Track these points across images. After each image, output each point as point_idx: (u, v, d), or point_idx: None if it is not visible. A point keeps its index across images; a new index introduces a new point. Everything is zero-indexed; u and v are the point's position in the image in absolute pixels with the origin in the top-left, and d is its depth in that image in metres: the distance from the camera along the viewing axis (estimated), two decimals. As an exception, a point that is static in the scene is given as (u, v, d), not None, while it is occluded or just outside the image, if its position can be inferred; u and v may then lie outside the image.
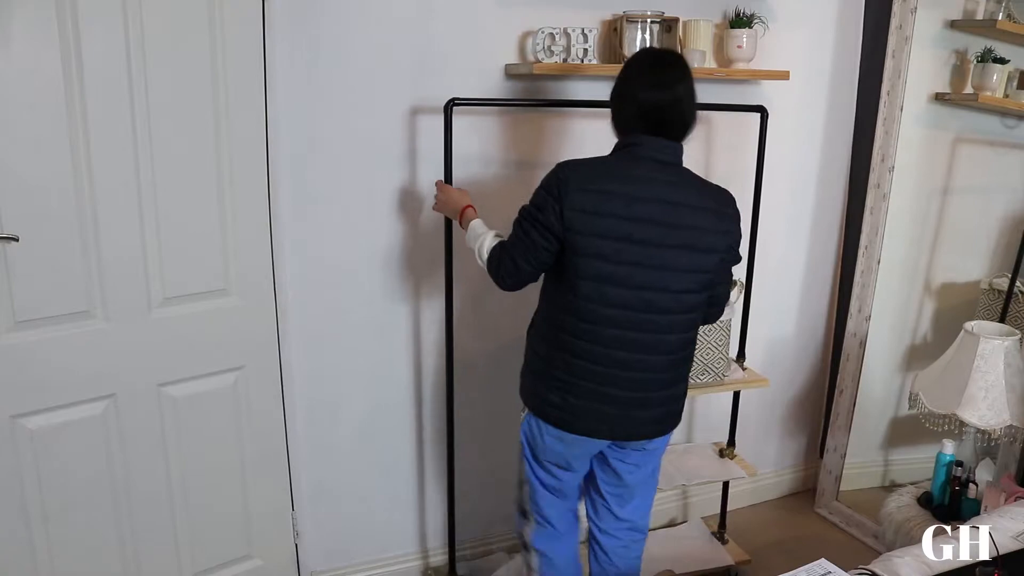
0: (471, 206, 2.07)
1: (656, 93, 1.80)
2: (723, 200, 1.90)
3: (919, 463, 3.07)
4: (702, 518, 2.99)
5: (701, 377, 2.50)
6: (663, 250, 1.79)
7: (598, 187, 1.78)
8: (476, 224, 2.01)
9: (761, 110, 2.50)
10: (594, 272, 1.79)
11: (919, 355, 2.98)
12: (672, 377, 1.92)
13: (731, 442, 2.77)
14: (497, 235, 1.97)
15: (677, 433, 2.91)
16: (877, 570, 1.68)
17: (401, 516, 2.63)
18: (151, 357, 2.05)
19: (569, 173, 1.81)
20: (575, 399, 1.87)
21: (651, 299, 1.81)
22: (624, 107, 1.84)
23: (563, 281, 1.84)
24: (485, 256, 1.93)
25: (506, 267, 1.88)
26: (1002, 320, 2.64)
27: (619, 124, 1.88)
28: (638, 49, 2.12)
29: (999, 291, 2.74)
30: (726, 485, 2.85)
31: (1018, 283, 2.67)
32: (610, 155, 1.87)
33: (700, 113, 2.62)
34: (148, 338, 2.04)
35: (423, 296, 2.46)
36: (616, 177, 1.80)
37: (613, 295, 1.80)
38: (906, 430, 3.05)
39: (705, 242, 1.83)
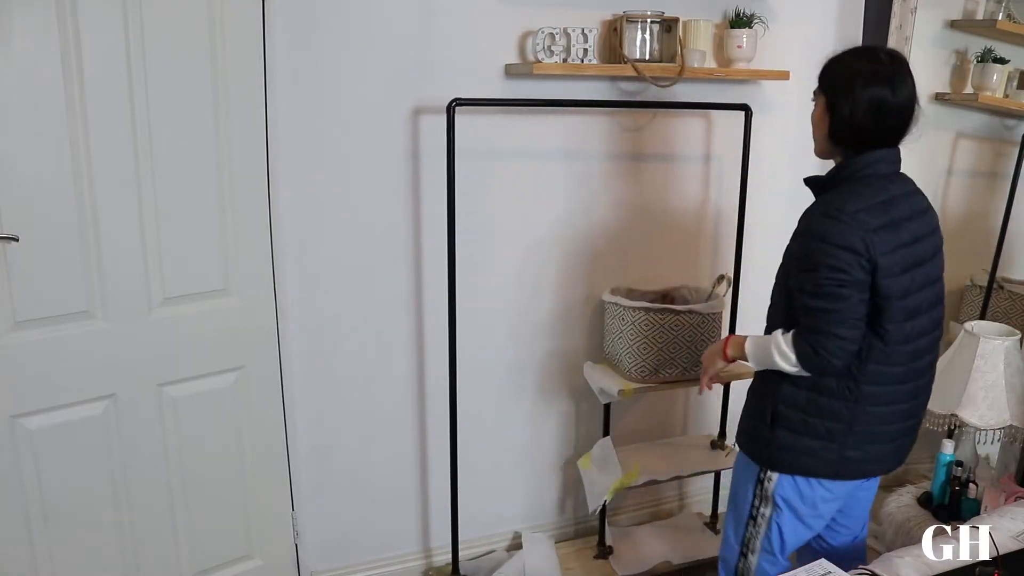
0: (726, 338, 1.97)
1: (902, 94, 1.66)
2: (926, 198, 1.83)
3: (919, 462, 3.07)
4: (696, 512, 3.01)
5: (694, 369, 2.51)
6: (931, 262, 1.76)
7: (883, 222, 1.66)
8: (751, 338, 1.86)
9: (745, 108, 2.53)
10: (903, 310, 1.70)
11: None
12: (928, 398, 1.89)
13: (722, 434, 2.79)
14: (782, 331, 1.78)
15: (673, 426, 2.93)
16: (877, 570, 1.68)
17: (402, 515, 2.63)
18: (151, 357, 2.05)
19: (862, 218, 1.64)
20: (856, 449, 1.78)
21: (936, 317, 1.79)
22: (863, 117, 1.66)
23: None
24: (792, 355, 1.73)
25: (830, 347, 1.68)
26: (982, 315, 2.65)
27: (850, 137, 1.70)
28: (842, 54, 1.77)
29: (980, 287, 2.75)
30: (718, 477, 2.87)
31: (999, 277, 2.68)
32: (857, 183, 1.70)
33: (700, 111, 2.66)
34: (148, 338, 2.04)
35: (425, 295, 2.46)
36: (885, 205, 1.67)
37: (911, 328, 1.73)
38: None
39: (940, 240, 1.82)
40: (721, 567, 2.07)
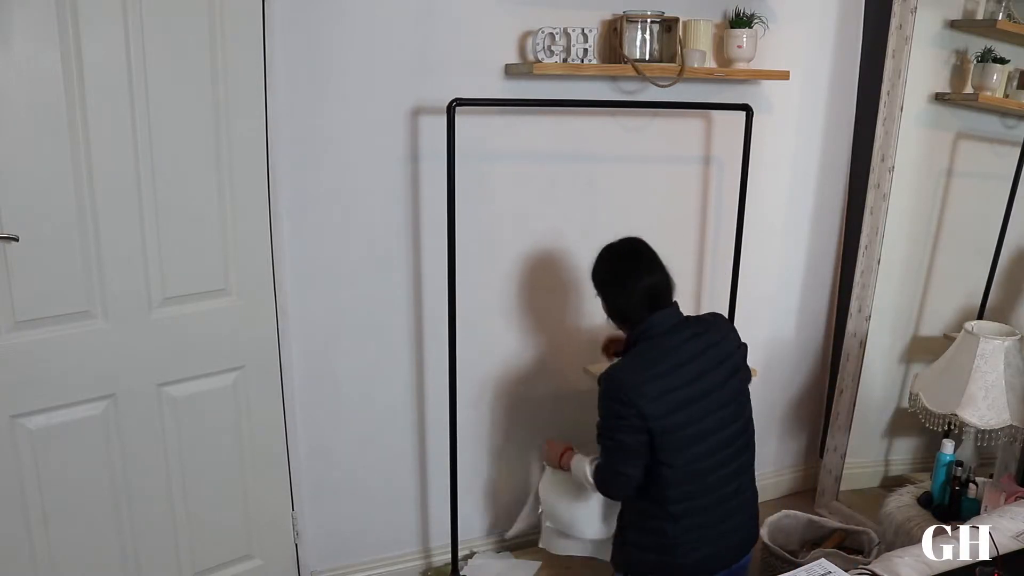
0: (569, 448, 2.23)
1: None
2: None
3: (919, 463, 3.07)
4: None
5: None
6: (717, 392, 1.98)
7: (650, 374, 1.91)
8: (576, 458, 2.15)
9: (747, 108, 2.52)
10: (681, 440, 1.92)
11: (919, 355, 2.98)
12: (745, 502, 2.07)
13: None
14: (589, 460, 2.06)
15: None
16: (877, 570, 1.67)
17: (402, 515, 2.63)
18: (151, 357, 2.05)
19: (628, 378, 1.93)
20: (687, 555, 1.96)
21: (726, 437, 1.99)
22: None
23: None
24: (592, 482, 2.03)
25: (615, 482, 2.00)
26: (979, 317, 2.65)
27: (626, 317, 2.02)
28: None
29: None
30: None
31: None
32: (641, 344, 1.97)
33: (700, 111, 2.66)
34: (148, 338, 2.04)
35: (424, 294, 2.46)
36: (657, 358, 1.95)
37: (695, 452, 1.94)
38: (906, 430, 3.05)
39: (733, 364, 2.04)
40: None
